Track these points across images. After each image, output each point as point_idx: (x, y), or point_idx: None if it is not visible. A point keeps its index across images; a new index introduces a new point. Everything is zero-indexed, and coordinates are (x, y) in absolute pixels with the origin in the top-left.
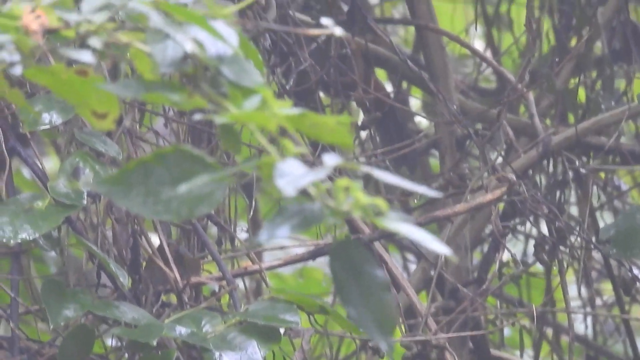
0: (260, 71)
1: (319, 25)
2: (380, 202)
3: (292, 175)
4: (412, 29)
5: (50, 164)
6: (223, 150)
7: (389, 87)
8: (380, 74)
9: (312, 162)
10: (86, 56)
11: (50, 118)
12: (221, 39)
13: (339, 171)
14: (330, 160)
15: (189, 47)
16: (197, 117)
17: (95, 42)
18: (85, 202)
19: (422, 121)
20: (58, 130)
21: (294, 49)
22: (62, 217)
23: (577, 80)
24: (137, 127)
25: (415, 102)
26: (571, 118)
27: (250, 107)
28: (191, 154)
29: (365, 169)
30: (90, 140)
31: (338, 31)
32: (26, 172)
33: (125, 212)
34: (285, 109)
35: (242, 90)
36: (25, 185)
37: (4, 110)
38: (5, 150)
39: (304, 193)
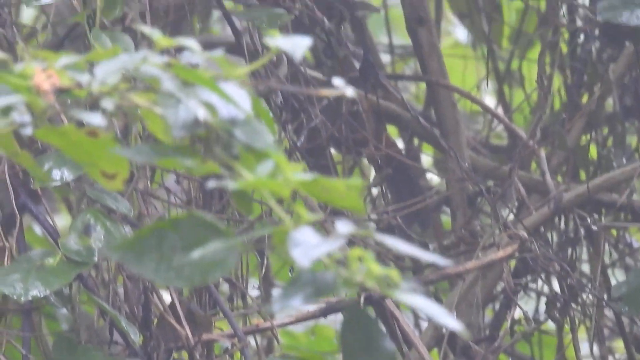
0: (273, 132)
1: (330, 83)
2: (393, 273)
3: (306, 245)
4: (423, 85)
5: (62, 220)
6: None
7: (400, 144)
8: (392, 130)
9: (324, 218)
10: (97, 119)
11: (61, 174)
12: (233, 102)
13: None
14: (344, 228)
15: (201, 113)
16: (211, 184)
17: (107, 103)
18: (96, 259)
19: (433, 178)
20: (69, 187)
21: (305, 105)
22: (74, 274)
23: (588, 137)
24: (149, 184)
25: (426, 159)
26: (583, 175)
27: (263, 172)
28: (204, 220)
29: (378, 236)
30: (101, 197)
31: (350, 92)
32: (37, 229)
33: None
34: (298, 174)
35: (254, 152)
36: (37, 242)
37: (15, 166)
38: (16, 207)
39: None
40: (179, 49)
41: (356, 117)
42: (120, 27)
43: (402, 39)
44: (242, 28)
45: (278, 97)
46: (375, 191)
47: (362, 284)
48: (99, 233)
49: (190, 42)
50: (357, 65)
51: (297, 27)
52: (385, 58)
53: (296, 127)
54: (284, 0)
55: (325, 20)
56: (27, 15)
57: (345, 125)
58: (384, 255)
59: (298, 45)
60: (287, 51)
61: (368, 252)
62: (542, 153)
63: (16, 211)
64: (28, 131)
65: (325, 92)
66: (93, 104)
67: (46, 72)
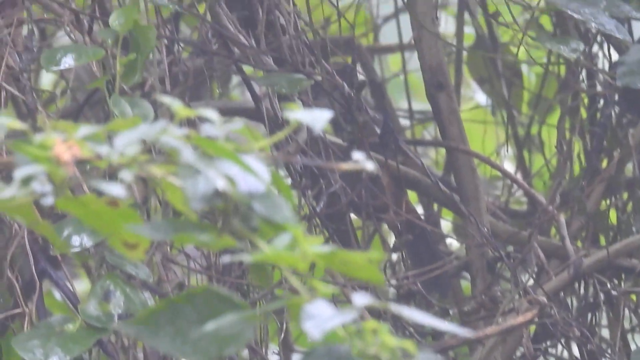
0: (291, 205)
1: (350, 149)
2: (409, 344)
3: (319, 318)
4: (443, 150)
5: (82, 285)
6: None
7: (420, 209)
8: (412, 195)
9: (343, 284)
10: (117, 189)
11: (81, 241)
12: (253, 174)
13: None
14: (360, 300)
15: (221, 184)
16: (226, 258)
17: (126, 174)
18: (116, 324)
19: (453, 243)
20: (89, 253)
21: (325, 171)
22: (93, 340)
23: (608, 202)
24: (168, 250)
25: (446, 224)
26: (602, 240)
27: (281, 245)
28: (219, 293)
29: (395, 308)
30: (121, 263)
31: (370, 166)
32: (57, 294)
33: None
34: (316, 247)
35: (273, 225)
36: (57, 307)
37: (35, 233)
38: (35, 273)
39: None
40: (199, 118)
41: (376, 182)
42: (140, 92)
43: (422, 103)
44: (262, 93)
45: (297, 163)
46: (394, 256)
47: (376, 357)
48: (119, 299)
49: (210, 113)
50: (377, 130)
51: (317, 92)
52: (404, 122)
53: (316, 192)
54: (303, 66)
55: (345, 85)
56: (47, 79)
57: (365, 190)
58: (404, 321)
59: (318, 119)
60: (308, 124)
61: (383, 323)
62: (562, 218)
63: (36, 277)
64: (49, 201)
65: (345, 165)
66: (113, 174)
67: (66, 143)
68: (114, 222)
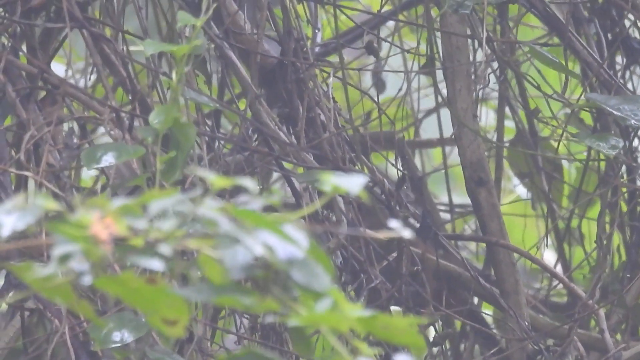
0: (331, 275)
1: (389, 247)
2: None
3: None
4: (483, 244)
5: None
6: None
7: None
8: None
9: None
10: (156, 264)
11: (122, 336)
12: (292, 242)
13: None
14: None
15: (259, 250)
16: (269, 318)
17: (164, 249)
18: None
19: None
20: (129, 348)
21: (365, 266)
22: None
23: None
24: (209, 345)
25: (487, 318)
26: None
27: (322, 309)
28: (263, 355)
29: None
30: (162, 358)
31: (406, 234)
32: None
33: None
34: (357, 311)
35: (312, 294)
36: None
37: (75, 328)
38: None
39: None
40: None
41: (416, 277)
42: (180, 189)
43: (463, 197)
44: (302, 189)
45: (338, 258)
46: (435, 350)
47: None
48: None
49: (248, 182)
50: (416, 224)
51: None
52: (445, 216)
53: (357, 287)
54: (344, 162)
55: (386, 181)
56: (87, 175)
57: (406, 285)
58: None
59: (354, 183)
60: (344, 189)
61: None
62: (601, 312)
63: None
64: (87, 280)
65: (382, 234)
66: (151, 251)
67: (103, 221)
68: (153, 298)
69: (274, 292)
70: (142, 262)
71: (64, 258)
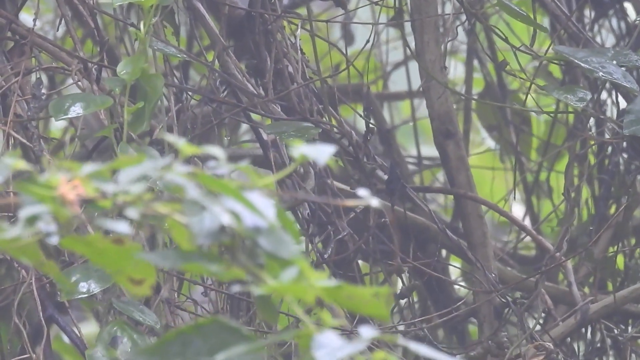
0: (297, 242)
1: (357, 195)
2: None
3: (329, 348)
4: (451, 197)
5: (90, 328)
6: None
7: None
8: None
9: (349, 331)
10: (122, 227)
11: (88, 287)
12: (257, 211)
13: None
14: (367, 332)
15: (226, 219)
16: (236, 288)
17: (132, 212)
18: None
19: (460, 289)
20: (96, 299)
21: (333, 218)
22: None
23: (615, 248)
24: (176, 296)
25: (454, 271)
26: (610, 286)
27: (288, 278)
28: (228, 325)
29: (402, 341)
30: (128, 310)
31: (375, 202)
32: (66, 337)
33: None
34: (322, 281)
35: (279, 261)
36: (65, 350)
37: (42, 279)
38: (43, 319)
39: None
40: (205, 159)
41: (383, 229)
42: (148, 140)
43: (431, 149)
44: (270, 141)
45: (305, 209)
46: (402, 302)
47: None
48: (126, 345)
49: (216, 151)
50: (384, 177)
51: (325, 140)
52: (413, 169)
53: (324, 239)
54: (311, 114)
55: (353, 133)
56: (55, 127)
57: (373, 237)
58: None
59: (322, 153)
60: (312, 159)
61: (392, 355)
62: (569, 265)
63: (43, 323)
64: (54, 240)
65: (351, 202)
66: (119, 213)
67: (71, 182)
68: (120, 259)
69: (240, 259)
70: (109, 225)
71: (32, 219)
